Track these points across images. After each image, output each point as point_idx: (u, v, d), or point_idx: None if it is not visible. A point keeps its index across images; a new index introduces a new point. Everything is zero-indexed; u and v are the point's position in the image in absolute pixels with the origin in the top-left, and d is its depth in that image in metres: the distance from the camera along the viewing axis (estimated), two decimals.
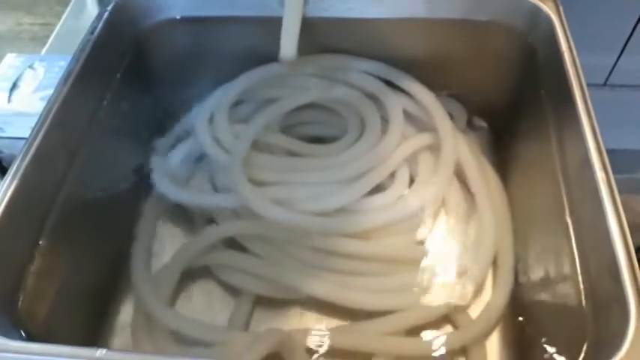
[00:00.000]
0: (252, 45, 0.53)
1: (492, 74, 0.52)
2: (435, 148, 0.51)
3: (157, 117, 0.55)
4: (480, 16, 0.49)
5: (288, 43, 0.46)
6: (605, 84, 0.67)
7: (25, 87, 0.80)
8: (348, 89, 0.52)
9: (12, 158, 0.78)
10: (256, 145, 0.50)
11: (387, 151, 0.50)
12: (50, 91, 0.77)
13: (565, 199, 0.38)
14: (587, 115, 0.40)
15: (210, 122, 0.52)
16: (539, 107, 0.46)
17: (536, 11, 0.47)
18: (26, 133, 0.80)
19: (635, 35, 0.61)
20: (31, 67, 0.82)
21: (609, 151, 0.72)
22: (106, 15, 0.46)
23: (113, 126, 0.48)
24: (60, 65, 0.81)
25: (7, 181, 0.37)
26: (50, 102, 0.42)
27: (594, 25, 0.60)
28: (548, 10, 0.46)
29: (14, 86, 0.80)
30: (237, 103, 0.54)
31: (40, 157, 0.39)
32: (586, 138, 0.38)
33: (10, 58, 0.84)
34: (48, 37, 1.04)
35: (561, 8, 0.46)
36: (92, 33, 0.46)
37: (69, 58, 0.82)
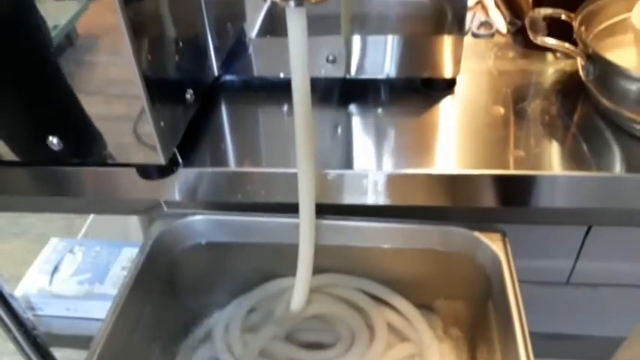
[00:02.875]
0: (264, 264, 0.64)
1: (459, 291, 0.63)
2: (416, 355, 0.61)
3: (183, 322, 0.65)
4: (446, 248, 0.60)
5: (298, 300, 0.57)
6: (567, 282, 0.77)
7: (64, 270, 0.92)
8: (340, 304, 0.63)
9: (47, 336, 0.88)
10: (263, 352, 0.60)
11: (374, 359, 0.59)
12: (86, 275, 0.89)
13: None
14: (523, 339, 0.50)
15: (225, 330, 0.62)
16: (490, 323, 0.56)
17: (487, 247, 0.58)
18: (61, 313, 0.90)
19: (585, 246, 0.72)
20: (71, 251, 0.95)
21: (577, 337, 0.82)
22: (147, 249, 0.58)
23: (147, 334, 0.59)
24: (96, 250, 0.94)
25: None
26: (100, 332, 0.52)
27: (551, 237, 0.72)
28: (496, 248, 0.58)
29: (55, 269, 0.92)
30: (251, 310, 0.64)
31: None
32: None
33: (54, 242, 0.97)
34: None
35: (509, 248, 0.58)
36: (136, 267, 0.57)
37: (103, 243, 0.94)
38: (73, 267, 0.91)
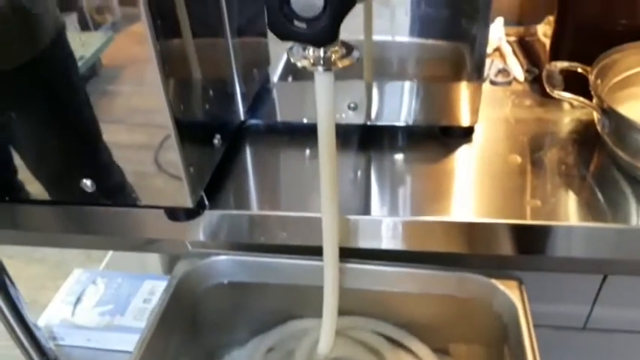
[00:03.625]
0: (284, 305, 0.66)
1: (476, 336, 0.64)
2: None
3: (205, 359, 0.67)
4: (463, 294, 0.62)
5: (326, 344, 0.58)
6: (584, 328, 0.77)
7: (87, 301, 0.94)
8: (359, 347, 0.64)
9: None
10: None
11: None
12: (108, 307, 0.91)
13: None
14: None
15: None
16: None
17: (504, 295, 0.59)
18: (82, 343, 0.92)
19: (601, 292, 0.73)
20: (93, 282, 0.97)
21: None
22: (172, 289, 0.60)
23: None
24: (118, 282, 0.96)
25: None
26: None
27: (567, 283, 0.73)
28: (513, 295, 0.59)
29: (78, 300, 0.94)
30: (270, 350, 0.66)
31: None
32: None
33: (77, 273, 0.99)
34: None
35: (525, 295, 0.59)
36: (161, 305, 0.59)
37: (125, 275, 0.96)
38: (95, 298, 0.93)
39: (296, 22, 0.33)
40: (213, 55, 0.62)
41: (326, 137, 0.43)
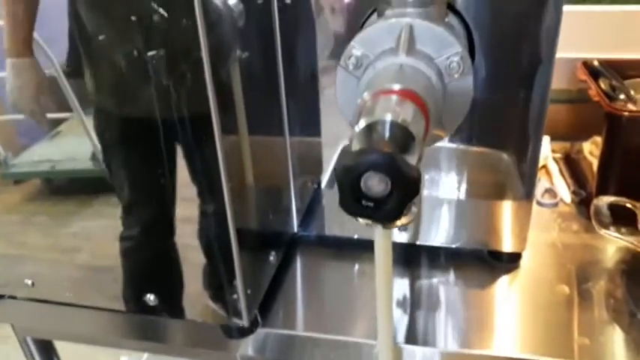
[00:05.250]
0: None
1: None
2: None
3: None
4: None
5: None
6: None
7: None
8: None
9: None
10: None
11: None
12: None
13: None
14: None
15: None
16: None
17: None
18: None
19: None
20: None
21: None
22: None
23: None
24: None
25: None
26: None
27: None
28: None
29: None
30: None
31: None
32: None
33: None
34: None
35: None
36: None
37: None
38: None
39: (364, 202, 0.36)
40: (272, 175, 0.66)
41: (384, 284, 0.45)
